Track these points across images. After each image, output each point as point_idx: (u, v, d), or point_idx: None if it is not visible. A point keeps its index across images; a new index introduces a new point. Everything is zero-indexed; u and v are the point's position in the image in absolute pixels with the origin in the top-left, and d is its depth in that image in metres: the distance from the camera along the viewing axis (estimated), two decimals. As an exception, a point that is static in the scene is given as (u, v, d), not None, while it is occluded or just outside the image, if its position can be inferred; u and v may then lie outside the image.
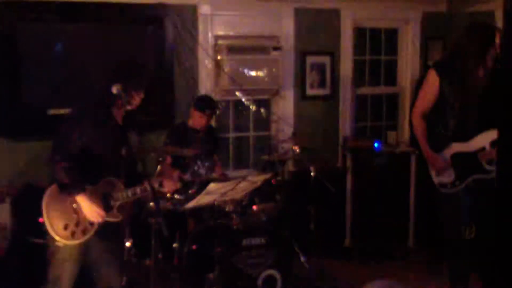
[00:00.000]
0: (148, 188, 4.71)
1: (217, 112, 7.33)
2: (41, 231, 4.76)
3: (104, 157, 4.72)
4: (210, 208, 5.96)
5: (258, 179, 5.73)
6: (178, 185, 4.96)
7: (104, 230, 4.79)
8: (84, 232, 4.69)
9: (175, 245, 6.23)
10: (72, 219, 4.66)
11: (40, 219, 4.68)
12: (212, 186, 5.31)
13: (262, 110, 7.49)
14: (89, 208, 4.64)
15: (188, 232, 6.39)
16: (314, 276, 7.00)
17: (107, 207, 4.72)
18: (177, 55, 7.57)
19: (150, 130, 6.97)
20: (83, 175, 4.65)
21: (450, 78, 5.71)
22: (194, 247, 6.22)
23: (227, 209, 6.26)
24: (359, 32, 8.85)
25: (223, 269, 5.74)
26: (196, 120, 6.87)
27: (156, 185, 4.77)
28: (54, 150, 4.68)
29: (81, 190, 4.62)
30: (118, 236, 5.12)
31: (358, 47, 8.86)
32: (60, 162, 4.61)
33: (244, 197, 6.21)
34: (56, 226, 4.65)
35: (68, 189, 4.65)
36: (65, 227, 4.65)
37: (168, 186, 4.93)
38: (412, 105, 6.09)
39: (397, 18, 8.97)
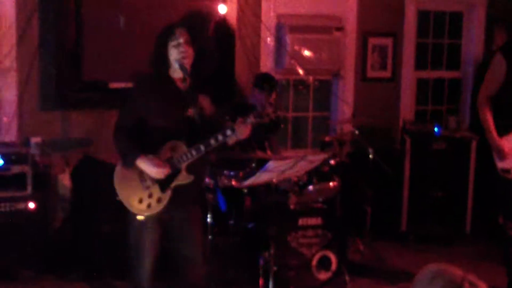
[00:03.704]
0: (213, 142, 4.66)
1: (276, 90, 7.30)
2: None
3: (164, 123, 4.71)
4: (268, 186, 5.95)
5: (317, 158, 5.68)
6: (250, 128, 4.75)
7: (180, 195, 4.75)
8: (159, 201, 4.71)
9: (231, 221, 6.26)
10: (144, 192, 4.69)
11: (117, 198, 4.71)
12: (271, 164, 5.28)
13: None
14: (150, 167, 4.63)
15: (245, 209, 6.41)
16: (369, 259, 6.99)
17: (174, 171, 4.70)
18: (239, 32, 7.57)
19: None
20: (143, 144, 4.68)
21: None
22: (250, 224, 6.25)
23: (284, 188, 6.26)
24: (423, 15, 8.74)
25: (278, 248, 5.73)
26: (255, 97, 6.89)
27: (229, 133, 4.71)
28: (115, 124, 4.77)
29: (137, 155, 4.63)
30: (198, 201, 5.02)
31: (421, 30, 8.76)
32: (115, 134, 4.73)
33: (302, 177, 6.19)
34: (132, 203, 4.70)
35: (125, 158, 4.71)
36: (140, 201, 4.69)
37: (242, 133, 4.81)
38: (475, 89, 6.01)
39: (462, 1, 8.84)
